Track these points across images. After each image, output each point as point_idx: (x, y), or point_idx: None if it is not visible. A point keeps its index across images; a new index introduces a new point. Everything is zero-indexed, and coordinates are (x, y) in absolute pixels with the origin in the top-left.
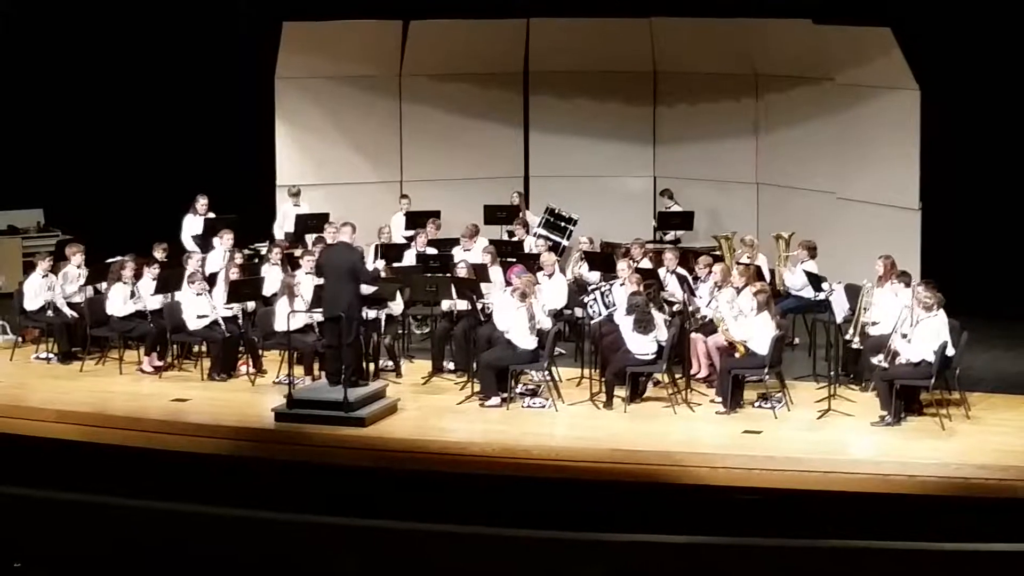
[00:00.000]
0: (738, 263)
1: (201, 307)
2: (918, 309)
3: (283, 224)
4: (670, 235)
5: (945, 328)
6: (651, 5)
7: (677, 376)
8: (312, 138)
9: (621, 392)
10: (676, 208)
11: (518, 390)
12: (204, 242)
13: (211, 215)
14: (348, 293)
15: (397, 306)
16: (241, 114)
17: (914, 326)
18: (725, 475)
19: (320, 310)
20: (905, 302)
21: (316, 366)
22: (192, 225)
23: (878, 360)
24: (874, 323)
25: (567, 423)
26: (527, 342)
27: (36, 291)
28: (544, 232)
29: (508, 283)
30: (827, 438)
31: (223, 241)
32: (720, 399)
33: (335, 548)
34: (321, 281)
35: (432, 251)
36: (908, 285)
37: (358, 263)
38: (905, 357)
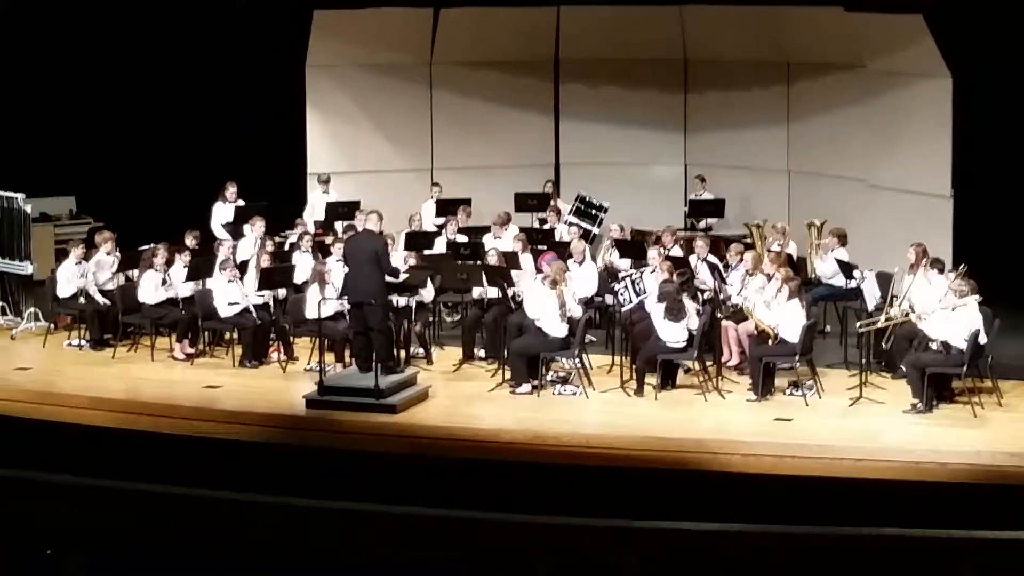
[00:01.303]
0: (769, 251)
1: (232, 294)
2: (951, 296)
3: (313, 212)
4: (703, 223)
5: (978, 316)
6: None
7: (708, 363)
8: (343, 126)
9: (652, 379)
10: (707, 195)
11: (549, 377)
12: (235, 229)
13: (240, 202)
14: (371, 280)
15: (428, 293)
16: (272, 102)
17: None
18: (756, 463)
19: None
20: (939, 289)
21: (347, 353)
22: (222, 213)
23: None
24: (919, 316)
25: (598, 410)
26: (558, 329)
27: (69, 278)
28: (575, 220)
29: (539, 271)
30: (858, 426)
31: (254, 228)
32: (751, 386)
33: (366, 535)
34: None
35: (463, 239)
36: (941, 272)
37: (381, 251)
38: (931, 335)
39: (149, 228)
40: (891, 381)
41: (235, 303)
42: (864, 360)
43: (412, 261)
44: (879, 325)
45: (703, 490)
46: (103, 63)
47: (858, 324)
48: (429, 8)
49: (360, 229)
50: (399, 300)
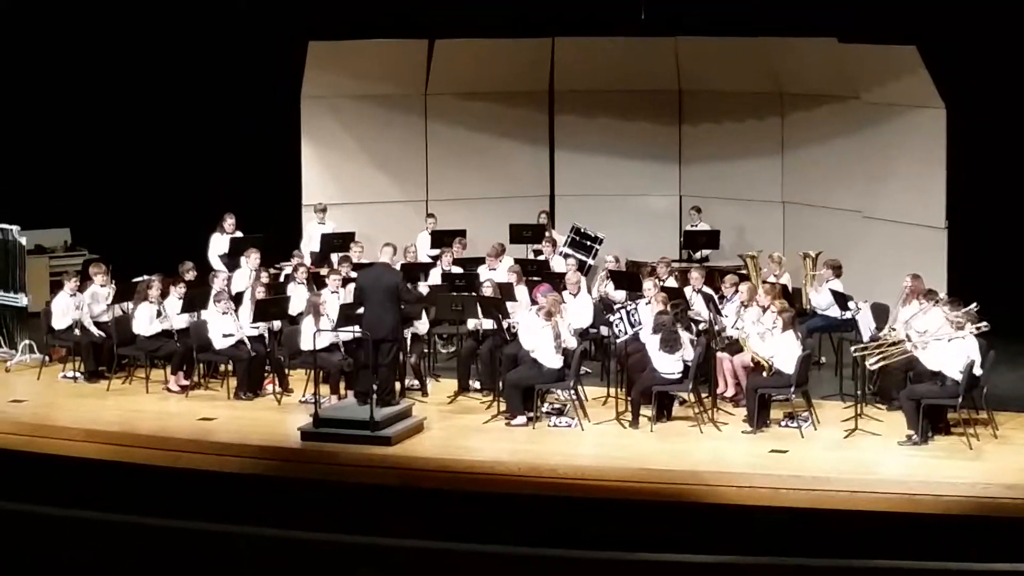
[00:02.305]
0: (764, 282)
1: (227, 326)
2: (947, 327)
3: (309, 243)
4: (698, 254)
5: (974, 347)
6: (676, 24)
7: (703, 395)
8: (338, 157)
9: (647, 411)
10: (703, 226)
11: (544, 409)
12: (231, 261)
13: (238, 234)
14: (391, 315)
15: (423, 325)
16: (267, 133)
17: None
18: (751, 494)
19: (348, 329)
20: (935, 320)
21: (342, 385)
22: (219, 244)
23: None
24: (915, 345)
25: (593, 442)
26: (553, 361)
27: (63, 310)
28: (570, 251)
29: (534, 302)
30: (854, 457)
31: (249, 260)
32: (747, 418)
33: (361, 568)
34: (348, 300)
35: (458, 270)
36: (936, 303)
37: (401, 284)
38: (927, 365)
39: (144, 260)
40: (886, 413)
41: (230, 335)
42: (859, 392)
43: (424, 290)
44: (874, 353)
45: (699, 522)
46: (99, 95)
47: (853, 349)
48: (424, 39)
49: (355, 260)
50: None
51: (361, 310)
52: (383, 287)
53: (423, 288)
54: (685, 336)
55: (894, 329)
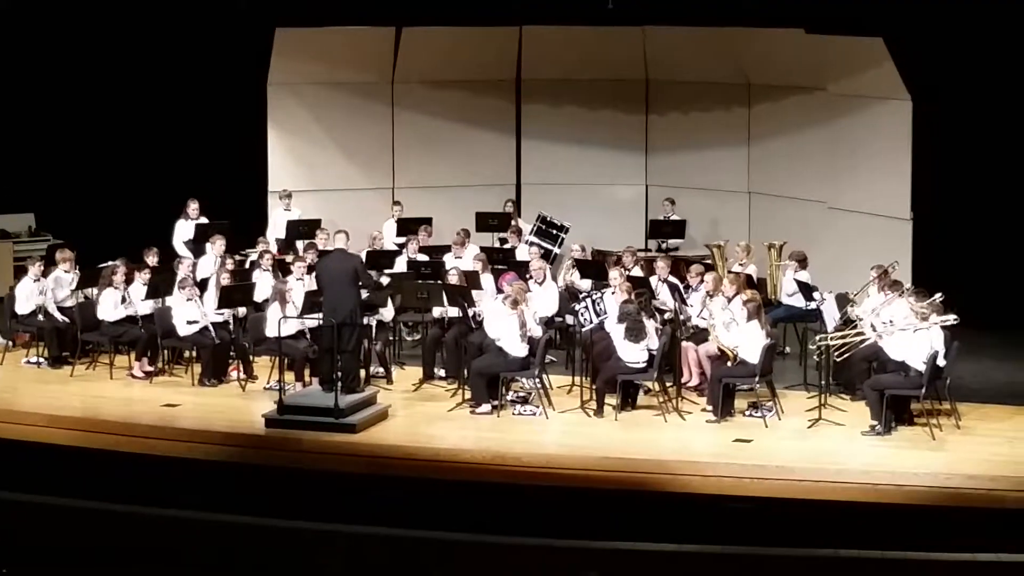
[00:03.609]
0: (729, 272)
1: (191, 312)
2: (912, 318)
3: (274, 230)
4: (665, 243)
5: (939, 338)
6: (644, 14)
7: (668, 384)
8: (304, 144)
9: (612, 400)
10: (675, 217)
11: (509, 397)
12: (196, 247)
13: (203, 220)
14: (350, 300)
15: (388, 312)
16: (233, 120)
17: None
18: (715, 483)
19: (314, 316)
20: (899, 311)
21: (307, 372)
22: (184, 230)
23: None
24: (879, 335)
25: (558, 431)
26: (518, 349)
27: (27, 295)
28: (536, 240)
29: (499, 290)
30: (817, 447)
31: (215, 246)
32: (711, 407)
33: (324, 554)
34: (312, 287)
35: (423, 258)
36: (901, 294)
37: (359, 268)
38: (890, 355)
39: (109, 245)
40: (850, 403)
41: (194, 321)
42: (823, 382)
43: (383, 280)
44: (835, 340)
45: (663, 511)
46: (63, 80)
47: (817, 337)
48: (391, 27)
49: (322, 247)
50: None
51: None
52: (341, 272)
53: (383, 280)
54: (650, 325)
55: (861, 319)
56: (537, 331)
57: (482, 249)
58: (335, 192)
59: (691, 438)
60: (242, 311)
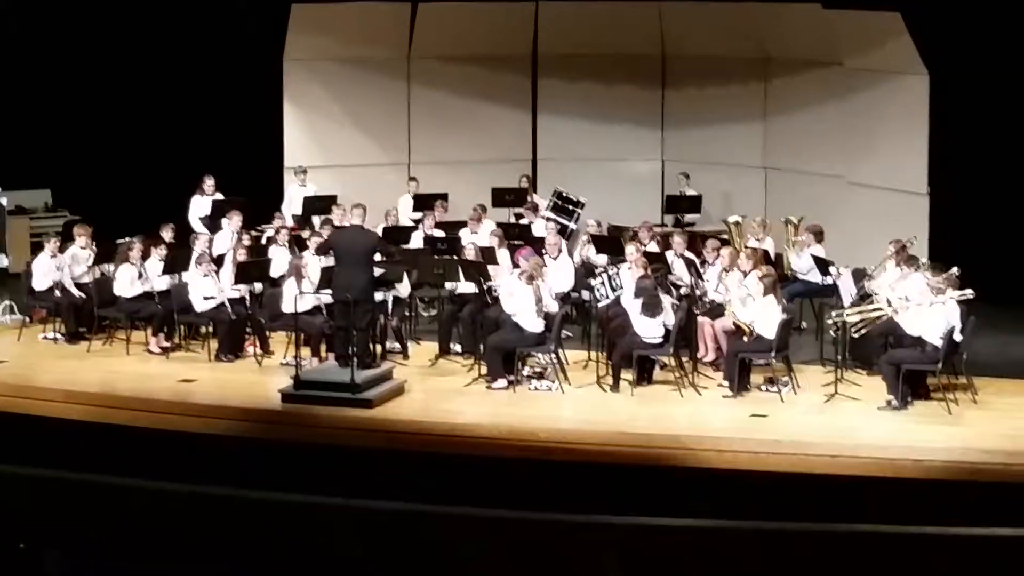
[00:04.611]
0: (746, 247)
1: (208, 288)
2: (928, 292)
3: (290, 206)
4: (686, 218)
5: (955, 312)
6: None
7: (684, 359)
8: (320, 120)
9: (628, 375)
10: (690, 192)
11: (525, 372)
12: (212, 223)
13: (219, 196)
14: (363, 277)
15: (404, 288)
16: (249, 96)
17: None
18: (731, 458)
19: (328, 291)
20: (915, 285)
21: (323, 347)
22: (200, 206)
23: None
24: (895, 309)
25: (574, 406)
26: (534, 325)
27: (44, 271)
28: (552, 215)
29: (515, 266)
30: (833, 422)
31: (231, 222)
32: (727, 382)
33: (341, 530)
34: (329, 263)
35: (439, 233)
36: (917, 269)
37: (376, 244)
38: (907, 329)
39: (125, 221)
40: (866, 378)
41: (210, 297)
42: (840, 356)
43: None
44: (851, 315)
45: (679, 486)
46: (81, 56)
47: (833, 313)
48: (407, 2)
49: (338, 223)
50: (376, 295)
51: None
52: (358, 248)
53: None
54: (666, 300)
55: (876, 293)
56: (553, 306)
57: (498, 225)
58: (351, 168)
59: (707, 413)
60: (258, 287)
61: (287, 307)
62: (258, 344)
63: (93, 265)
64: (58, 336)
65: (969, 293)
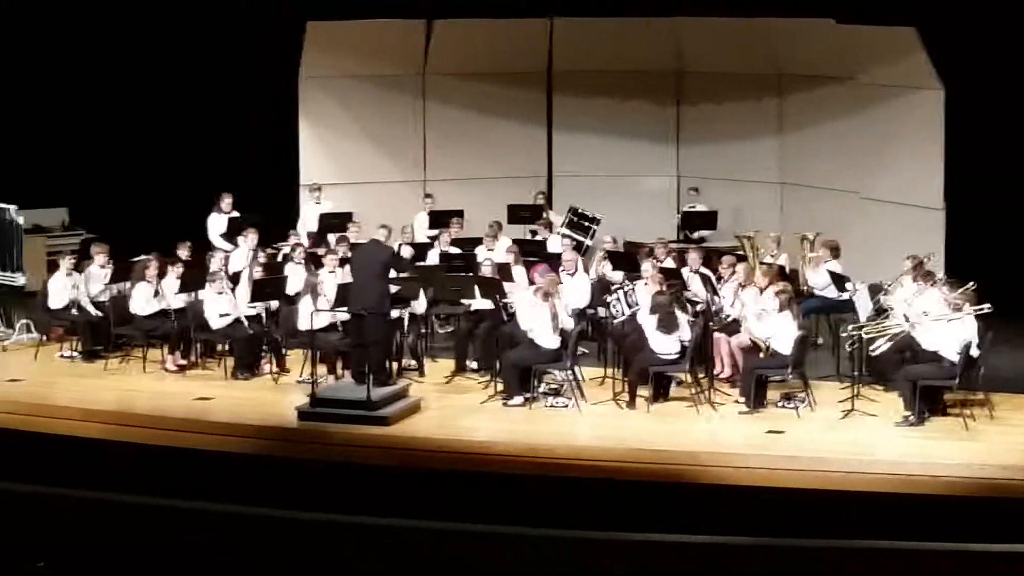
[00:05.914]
0: (761, 263)
1: (223, 306)
2: (945, 307)
3: (306, 223)
4: (697, 234)
5: (972, 328)
6: (675, 4)
7: (700, 376)
8: (336, 137)
9: (644, 392)
10: (700, 207)
11: (541, 389)
12: (229, 240)
13: (235, 213)
14: (376, 290)
15: (420, 305)
16: (265, 113)
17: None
18: (748, 475)
19: (344, 309)
20: (933, 301)
21: (339, 365)
22: (218, 223)
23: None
24: (912, 324)
25: (590, 423)
26: (550, 341)
27: (60, 290)
28: (567, 232)
29: (531, 282)
30: (850, 438)
31: (247, 240)
32: (743, 399)
33: (358, 548)
34: (345, 279)
35: (455, 250)
36: (934, 284)
37: (392, 259)
38: (923, 344)
39: (142, 239)
40: (883, 394)
41: (226, 315)
42: (856, 372)
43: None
44: (869, 331)
45: (695, 502)
46: (97, 74)
47: (850, 328)
48: (422, 20)
49: (354, 240)
50: (391, 312)
51: None
52: (371, 261)
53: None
54: (682, 317)
55: (893, 308)
56: (569, 323)
57: (514, 241)
58: (367, 185)
59: (723, 429)
60: (274, 304)
61: (303, 325)
62: (274, 362)
63: (110, 283)
64: (75, 354)
65: (986, 308)
